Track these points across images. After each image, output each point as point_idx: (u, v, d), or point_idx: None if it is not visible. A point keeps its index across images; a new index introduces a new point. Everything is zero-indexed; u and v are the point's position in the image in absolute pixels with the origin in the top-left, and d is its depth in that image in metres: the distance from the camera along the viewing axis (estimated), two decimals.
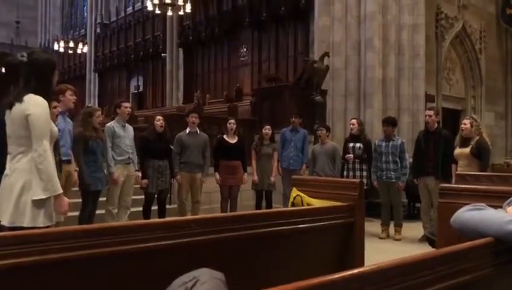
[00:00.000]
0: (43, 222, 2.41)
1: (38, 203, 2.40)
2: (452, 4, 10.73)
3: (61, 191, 2.49)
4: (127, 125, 5.50)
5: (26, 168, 2.41)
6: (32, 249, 1.34)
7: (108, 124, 5.39)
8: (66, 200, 2.56)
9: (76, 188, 4.80)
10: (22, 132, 2.43)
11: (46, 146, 2.43)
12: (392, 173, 6.02)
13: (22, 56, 2.51)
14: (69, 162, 4.50)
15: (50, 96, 2.62)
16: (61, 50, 18.73)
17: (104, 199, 5.31)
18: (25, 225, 2.35)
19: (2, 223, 2.41)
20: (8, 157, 2.50)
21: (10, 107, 2.46)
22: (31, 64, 2.48)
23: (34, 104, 2.42)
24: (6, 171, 2.48)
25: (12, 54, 2.67)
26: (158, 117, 5.86)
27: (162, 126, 5.74)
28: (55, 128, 2.64)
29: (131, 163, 5.42)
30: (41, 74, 2.50)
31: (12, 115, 2.46)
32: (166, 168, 5.76)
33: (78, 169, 4.70)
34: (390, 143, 6.08)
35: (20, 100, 2.42)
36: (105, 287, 1.47)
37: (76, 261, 1.41)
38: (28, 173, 2.40)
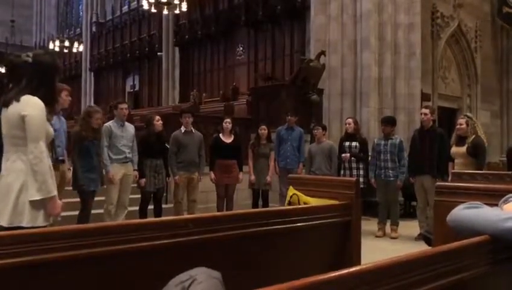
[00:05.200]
0: (43, 221, 2.41)
1: (36, 204, 2.40)
2: (448, 3, 10.76)
3: (55, 193, 2.47)
4: (126, 124, 5.50)
5: (22, 169, 2.40)
6: (30, 249, 1.34)
7: (106, 124, 5.41)
8: (59, 202, 2.54)
9: (69, 188, 4.79)
10: (17, 132, 2.41)
11: (43, 148, 2.42)
12: (390, 171, 6.04)
13: (27, 56, 2.49)
14: (63, 161, 4.49)
15: (52, 98, 2.61)
16: (57, 49, 18.63)
17: (102, 198, 5.30)
18: (24, 224, 2.34)
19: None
20: (4, 157, 2.47)
21: (7, 105, 2.44)
22: (36, 65, 2.46)
23: (30, 105, 2.40)
24: (2, 172, 2.46)
25: (16, 54, 2.65)
26: (157, 117, 5.89)
27: (161, 126, 5.83)
28: (51, 130, 2.63)
29: (130, 162, 5.41)
30: (45, 76, 2.48)
31: (8, 114, 2.43)
32: (162, 167, 5.78)
33: (71, 168, 4.68)
34: (389, 142, 6.10)
35: (18, 99, 2.41)
36: (101, 287, 1.46)
37: (73, 261, 1.41)
38: (25, 174, 2.39)
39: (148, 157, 5.64)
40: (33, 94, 2.43)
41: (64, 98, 4.44)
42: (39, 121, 2.43)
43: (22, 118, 2.38)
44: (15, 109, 2.41)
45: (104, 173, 5.15)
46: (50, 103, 2.54)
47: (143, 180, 5.59)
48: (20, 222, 2.36)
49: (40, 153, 2.39)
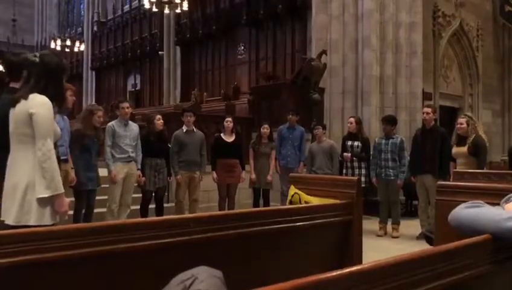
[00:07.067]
0: (49, 220, 2.42)
1: (43, 202, 2.40)
2: (449, 2, 10.75)
3: (63, 190, 2.49)
4: (129, 123, 5.51)
5: (28, 167, 2.41)
6: (30, 248, 1.34)
7: (109, 124, 5.42)
8: (66, 200, 2.57)
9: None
10: (24, 130, 2.43)
11: (50, 145, 2.44)
12: (390, 170, 6.05)
13: (34, 56, 2.54)
14: (66, 161, 4.50)
15: (61, 97, 2.64)
16: (58, 48, 18.65)
17: (105, 197, 5.30)
18: (31, 223, 2.35)
19: (5, 222, 2.40)
20: (10, 155, 2.49)
21: (14, 104, 2.46)
22: (43, 65, 2.50)
23: (38, 104, 2.43)
24: (8, 170, 2.47)
25: (22, 53, 2.68)
26: (158, 116, 5.90)
27: (161, 125, 5.82)
28: (58, 129, 2.65)
29: (133, 161, 5.42)
30: (52, 76, 2.52)
31: (16, 112, 2.45)
32: (163, 166, 5.78)
33: (73, 167, 4.68)
34: (390, 141, 6.10)
35: (26, 98, 2.43)
36: (102, 286, 1.47)
37: (74, 260, 1.41)
38: (31, 172, 2.40)
39: (148, 156, 5.64)
40: (41, 93, 2.46)
41: (69, 97, 4.47)
42: (47, 119, 2.45)
43: (30, 116, 2.41)
44: (23, 107, 2.44)
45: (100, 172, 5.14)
46: (59, 101, 2.57)
47: (143, 179, 5.59)
48: (27, 220, 2.36)
49: (48, 151, 2.41)
